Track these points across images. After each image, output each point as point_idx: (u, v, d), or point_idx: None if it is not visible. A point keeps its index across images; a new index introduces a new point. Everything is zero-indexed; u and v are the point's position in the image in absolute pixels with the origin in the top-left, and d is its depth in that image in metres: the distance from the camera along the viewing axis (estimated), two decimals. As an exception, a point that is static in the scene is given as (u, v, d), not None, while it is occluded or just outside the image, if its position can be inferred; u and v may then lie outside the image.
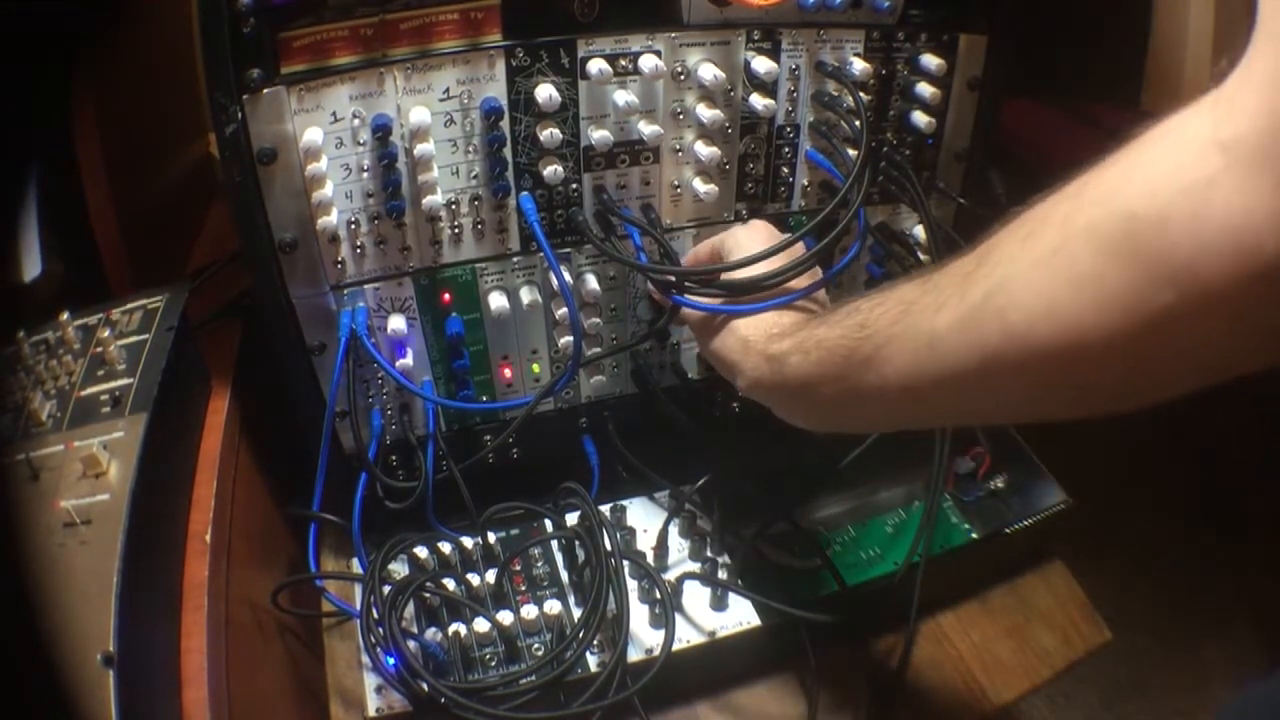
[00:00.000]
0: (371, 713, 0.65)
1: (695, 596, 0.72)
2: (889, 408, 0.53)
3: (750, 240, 0.66)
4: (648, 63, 0.66)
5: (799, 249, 0.65)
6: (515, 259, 0.71)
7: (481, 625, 0.67)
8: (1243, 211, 0.35)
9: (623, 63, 0.66)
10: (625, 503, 0.79)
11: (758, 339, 0.60)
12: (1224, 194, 0.35)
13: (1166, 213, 0.37)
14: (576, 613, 0.71)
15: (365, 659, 0.66)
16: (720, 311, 0.64)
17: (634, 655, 0.68)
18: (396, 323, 0.69)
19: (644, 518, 0.78)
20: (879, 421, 0.61)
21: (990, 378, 0.45)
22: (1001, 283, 0.43)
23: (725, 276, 0.64)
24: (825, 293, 0.65)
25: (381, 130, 0.62)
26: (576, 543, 0.73)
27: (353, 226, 0.65)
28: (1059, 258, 0.41)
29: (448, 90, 0.63)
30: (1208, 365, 0.40)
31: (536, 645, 0.68)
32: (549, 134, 0.65)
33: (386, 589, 0.67)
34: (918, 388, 0.49)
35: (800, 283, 0.64)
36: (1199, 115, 0.37)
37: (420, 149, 0.63)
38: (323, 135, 0.61)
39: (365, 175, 0.64)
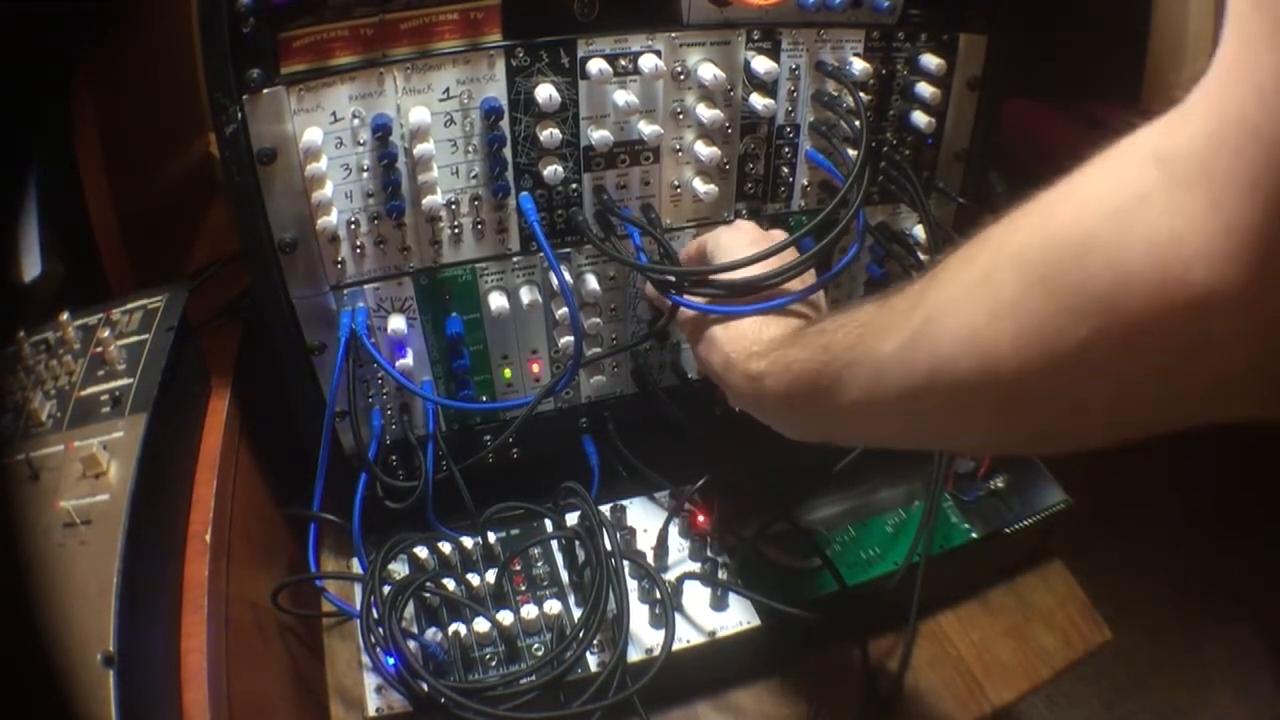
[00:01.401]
0: (371, 713, 0.65)
1: (695, 596, 0.72)
2: (859, 429, 0.53)
3: (734, 240, 0.65)
4: (648, 63, 0.66)
5: (795, 252, 0.64)
6: (515, 259, 0.71)
7: (481, 625, 0.67)
8: (1168, 236, 0.30)
9: (623, 63, 0.66)
10: (625, 503, 0.79)
11: (738, 357, 0.59)
12: (1150, 216, 0.31)
13: (1090, 239, 0.33)
14: (576, 613, 0.71)
15: (365, 659, 0.66)
16: (709, 312, 0.63)
17: (634, 655, 0.68)
18: (396, 323, 0.69)
19: (644, 518, 0.78)
20: (857, 439, 0.60)
21: (930, 410, 0.43)
22: (938, 308, 0.41)
23: (722, 277, 0.64)
24: (823, 295, 0.65)
25: (381, 130, 0.62)
26: (576, 543, 0.73)
27: (352, 226, 0.65)
28: (985, 285, 0.38)
29: (448, 90, 0.63)
30: (1139, 416, 0.36)
31: (536, 645, 0.68)
32: (549, 134, 0.65)
33: (386, 589, 0.67)
34: (875, 414, 0.48)
35: (791, 287, 0.63)
36: (1148, 131, 0.33)
37: (420, 149, 0.63)
38: (322, 135, 0.61)
39: (365, 175, 0.64)
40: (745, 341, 0.60)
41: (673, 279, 0.67)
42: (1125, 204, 0.32)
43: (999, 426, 0.42)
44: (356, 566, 0.73)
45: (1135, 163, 0.32)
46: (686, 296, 0.65)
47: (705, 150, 0.70)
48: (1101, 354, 0.33)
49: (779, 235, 0.67)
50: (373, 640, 0.64)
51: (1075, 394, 0.36)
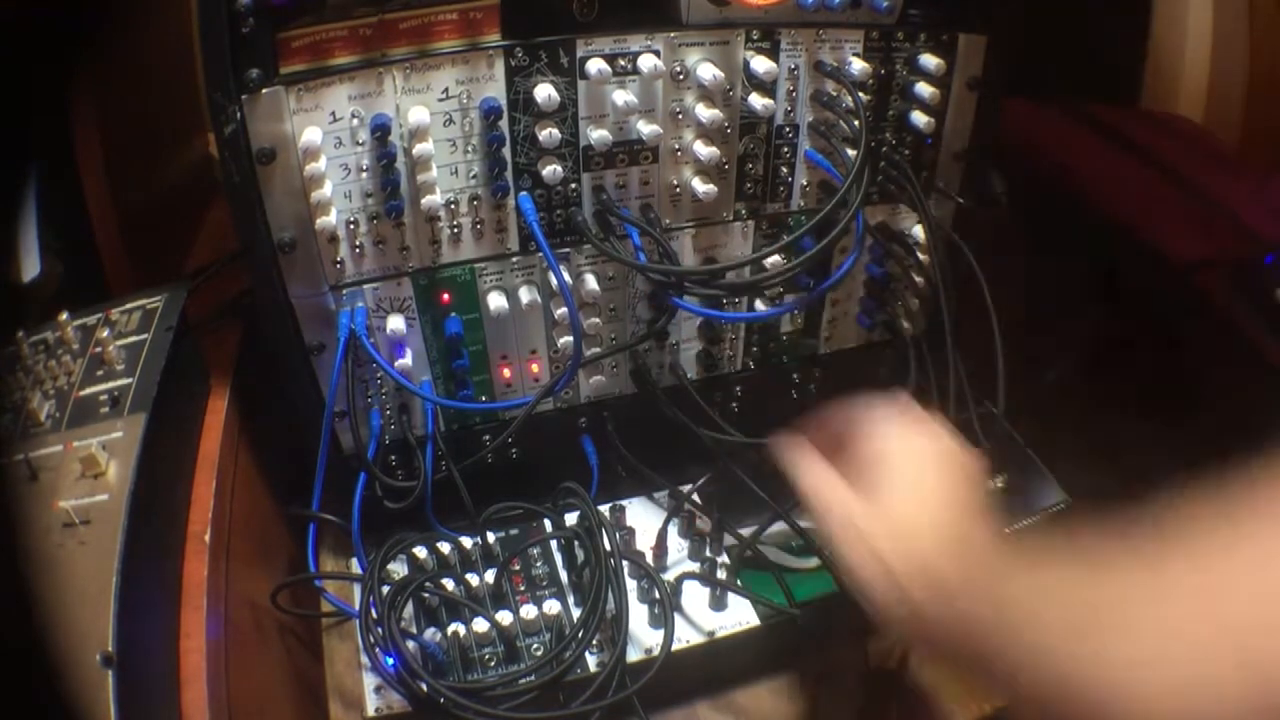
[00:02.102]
0: (371, 713, 0.65)
1: (694, 596, 0.72)
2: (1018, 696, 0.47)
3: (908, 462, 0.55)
4: (647, 62, 0.66)
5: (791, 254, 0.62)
6: (514, 259, 0.71)
7: (481, 625, 0.67)
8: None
9: (622, 62, 0.66)
10: (625, 503, 0.79)
11: (902, 569, 0.50)
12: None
13: None
14: (576, 613, 0.71)
15: (364, 659, 0.66)
16: (718, 318, 0.59)
17: (633, 655, 0.68)
18: (395, 323, 0.69)
19: (643, 518, 0.78)
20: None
21: None
22: (1149, 653, 0.40)
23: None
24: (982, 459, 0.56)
25: (380, 130, 0.62)
26: (576, 543, 0.73)
27: (351, 226, 0.65)
28: (1205, 658, 0.37)
29: (447, 90, 0.63)
30: None
31: (536, 645, 0.68)
32: (548, 134, 0.65)
33: (385, 589, 0.67)
34: (1039, 701, 0.44)
35: (958, 469, 0.55)
36: None
37: (419, 149, 0.63)
38: (321, 135, 0.61)
39: (364, 175, 0.64)
40: (913, 557, 0.50)
41: (672, 278, 0.67)
42: None
43: None
44: (356, 566, 0.73)
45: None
46: (687, 299, 0.64)
47: (704, 150, 0.70)
48: None
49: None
50: (372, 640, 0.64)
51: None
